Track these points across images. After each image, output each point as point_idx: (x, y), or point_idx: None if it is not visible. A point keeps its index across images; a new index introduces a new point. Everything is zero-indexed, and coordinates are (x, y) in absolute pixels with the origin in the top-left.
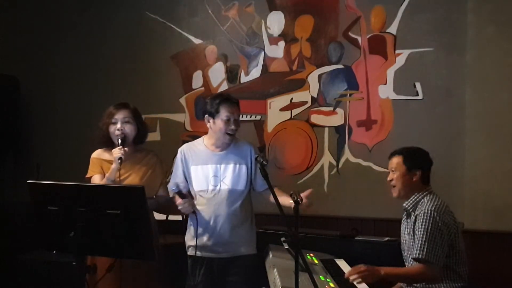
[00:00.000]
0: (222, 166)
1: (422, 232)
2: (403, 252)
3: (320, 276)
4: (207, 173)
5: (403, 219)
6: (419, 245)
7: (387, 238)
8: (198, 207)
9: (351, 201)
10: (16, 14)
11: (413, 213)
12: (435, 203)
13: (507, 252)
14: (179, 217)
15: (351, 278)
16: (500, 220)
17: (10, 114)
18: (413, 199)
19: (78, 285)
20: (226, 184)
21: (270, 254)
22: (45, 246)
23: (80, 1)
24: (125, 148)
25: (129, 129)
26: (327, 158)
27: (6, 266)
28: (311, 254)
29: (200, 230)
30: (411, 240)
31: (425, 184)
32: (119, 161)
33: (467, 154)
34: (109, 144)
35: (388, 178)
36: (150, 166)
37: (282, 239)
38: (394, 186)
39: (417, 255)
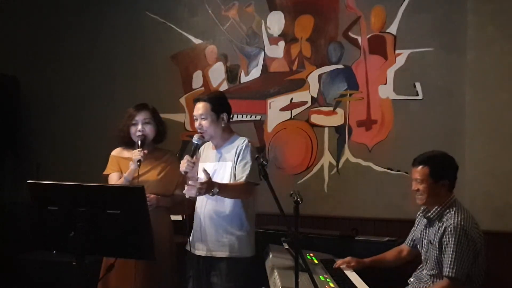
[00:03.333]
0: (213, 163)
1: (452, 249)
2: (422, 255)
3: (320, 276)
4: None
5: (422, 223)
6: (449, 262)
7: (387, 238)
8: (196, 204)
9: (351, 201)
10: (16, 14)
11: (437, 222)
12: (463, 215)
13: (507, 252)
14: (179, 217)
15: None
16: (500, 220)
17: (10, 114)
18: (438, 209)
19: (79, 286)
20: None
21: (270, 254)
22: (45, 246)
23: (80, 1)
24: (145, 151)
25: (149, 129)
26: (327, 158)
27: (6, 266)
28: (311, 254)
29: (193, 226)
30: (434, 250)
31: (450, 192)
32: (138, 163)
33: (467, 154)
34: (130, 144)
35: (414, 188)
36: (168, 164)
37: (282, 239)
38: (420, 195)
39: (447, 273)
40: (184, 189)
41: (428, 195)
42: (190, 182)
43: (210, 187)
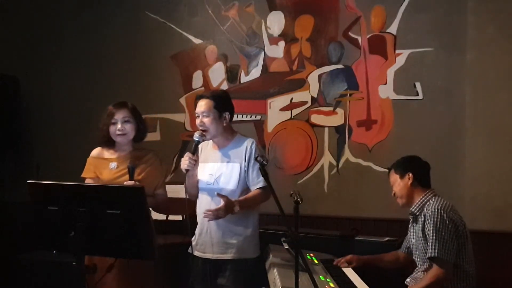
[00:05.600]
0: (218, 164)
1: (431, 231)
2: (413, 256)
3: (320, 276)
4: (206, 171)
5: (410, 223)
6: (431, 243)
7: (387, 238)
8: (198, 205)
9: (351, 201)
10: (16, 14)
11: (420, 216)
12: (441, 203)
13: (507, 252)
14: (179, 217)
15: None
16: (500, 220)
17: (10, 114)
18: (419, 203)
19: (78, 285)
20: (218, 183)
21: (270, 254)
22: (45, 246)
23: (80, 1)
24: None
25: (130, 128)
26: (327, 158)
27: (6, 266)
28: (311, 254)
29: (197, 228)
30: (420, 242)
31: (425, 187)
32: None
33: (467, 154)
34: (110, 144)
35: (392, 193)
36: (149, 164)
37: (282, 239)
38: (398, 198)
39: (430, 253)
40: (165, 189)
41: (401, 192)
42: (205, 211)
43: (229, 209)
